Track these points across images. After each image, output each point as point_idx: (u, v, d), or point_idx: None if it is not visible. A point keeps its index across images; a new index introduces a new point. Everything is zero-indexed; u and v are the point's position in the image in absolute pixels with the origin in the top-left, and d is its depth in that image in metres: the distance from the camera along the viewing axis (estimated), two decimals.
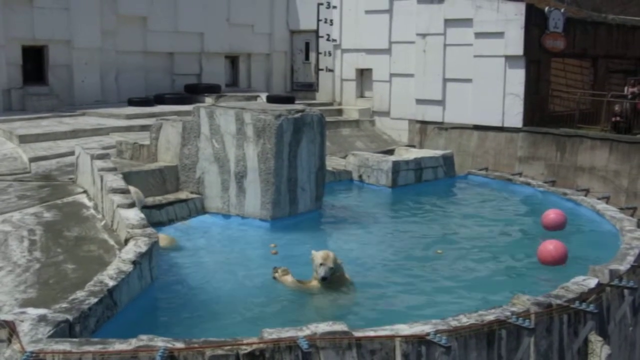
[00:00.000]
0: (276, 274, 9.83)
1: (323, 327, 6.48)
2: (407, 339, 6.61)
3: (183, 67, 23.35)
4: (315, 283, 9.68)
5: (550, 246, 11.11)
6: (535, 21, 20.48)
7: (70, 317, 6.49)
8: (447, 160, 18.11)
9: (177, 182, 13.80)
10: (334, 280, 9.64)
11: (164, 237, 11.00)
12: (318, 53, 25.37)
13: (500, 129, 20.80)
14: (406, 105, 22.79)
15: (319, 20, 25.05)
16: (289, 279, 9.76)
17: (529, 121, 20.50)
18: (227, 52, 24.57)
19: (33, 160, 14.42)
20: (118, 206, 10.01)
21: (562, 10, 21.68)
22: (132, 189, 11.17)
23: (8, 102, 19.28)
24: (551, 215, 13.37)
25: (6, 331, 6.06)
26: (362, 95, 24.60)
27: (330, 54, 24.97)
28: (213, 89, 22.83)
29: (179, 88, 23.00)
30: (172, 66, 23.15)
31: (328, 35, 24.88)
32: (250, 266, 10.76)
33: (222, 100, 20.12)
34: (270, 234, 12.45)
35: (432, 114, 22.22)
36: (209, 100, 21.16)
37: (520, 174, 19.00)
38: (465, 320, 7.13)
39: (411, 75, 22.58)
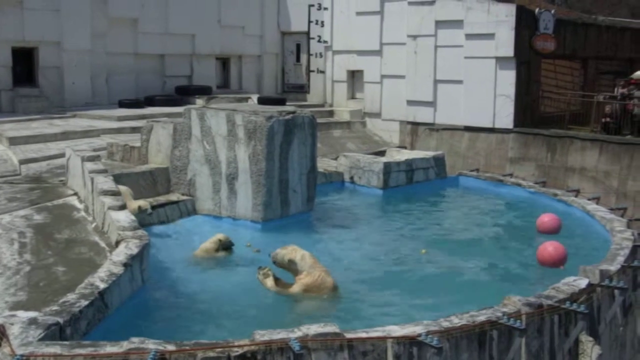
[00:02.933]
0: (258, 276, 9.73)
1: (315, 329, 6.48)
2: (398, 340, 6.62)
3: (174, 68, 23.31)
4: (295, 288, 9.63)
5: (550, 247, 11.15)
6: (525, 23, 20.55)
7: (60, 320, 6.47)
8: (439, 161, 18.14)
9: (168, 184, 13.78)
10: (311, 286, 9.56)
11: None
12: (309, 54, 25.37)
13: (491, 130, 20.86)
14: (397, 107, 22.81)
15: (310, 21, 25.05)
16: (267, 282, 9.67)
17: (520, 122, 20.56)
18: (218, 53, 24.54)
19: (23, 162, 14.35)
20: (109, 208, 9.98)
21: (553, 11, 21.77)
22: (122, 188, 11.22)
23: None
24: (545, 219, 13.41)
25: None
26: (353, 97, 24.61)
27: (321, 56, 24.97)
28: (204, 91, 22.79)
29: (170, 90, 22.96)
30: (162, 68, 23.10)
31: (319, 36, 24.89)
32: (241, 268, 10.75)
33: (213, 102, 20.09)
34: (262, 236, 12.44)
35: (423, 115, 22.26)
36: (200, 102, 21.13)
37: (511, 175, 19.05)
38: (456, 321, 7.15)
39: (402, 77, 22.60)
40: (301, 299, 9.45)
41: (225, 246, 11.33)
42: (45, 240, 9.71)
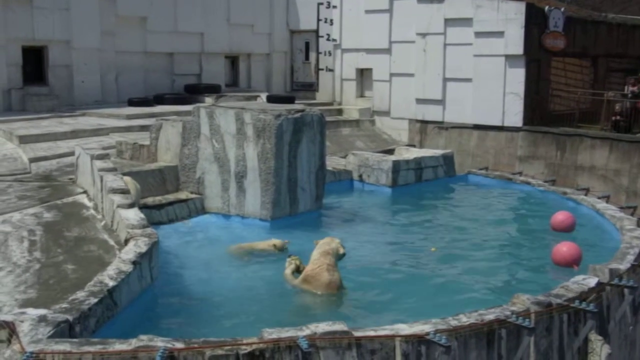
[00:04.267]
0: (286, 263, 10.01)
1: (323, 327, 6.48)
2: (407, 338, 6.61)
3: (183, 67, 23.35)
4: (299, 279, 9.73)
5: (564, 248, 11.13)
6: (535, 20, 20.46)
7: (70, 318, 6.49)
8: (447, 159, 18.10)
9: (177, 182, 13.81)
10: (309, 276, 9.59)
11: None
12: (318, 53, 25.36)
13: (500, 129, 20.79)
14: (406, 105, 22.78)
15: (319, 20, 25.04)
16: (286, 270, 9.89)
17: (529, 120, 20.49)
18: (227, 52, 24.57)
19: (33, 160, 14.42)
20: (118, 206, 10.01)
21: (562, 9, 21.67)
22: (127, 179, 11.34)
23: (8, 102, 19.28)
24: (560, 217, 13.38)
25: (6, 331, 6.07)
26: (362, 95, 24.59)
27: (330, 54, 24.96)
28: (213, 89, 22.83)
29: (179, 88, 23.00)
30: (172, 66, 23.14)
31: (328, 35, 24.87)
32: (250, 266, 10.76)
33: (222, 100, 20.11)
34: (271, 234, 12.44)
35: (432, 113, 22.22)
36: (209, 100, 21.16)
37: (520, 173, 18.99)
38: (465, 319, 7.13)
39: (411, 75, 22.57)
40: (312, 296, 9.45)
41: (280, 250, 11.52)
42: (54, 238, 9.76)
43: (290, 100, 21.46)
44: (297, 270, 9.91)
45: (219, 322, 8.44)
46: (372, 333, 6.64)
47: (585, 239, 12.73)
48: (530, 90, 20.51)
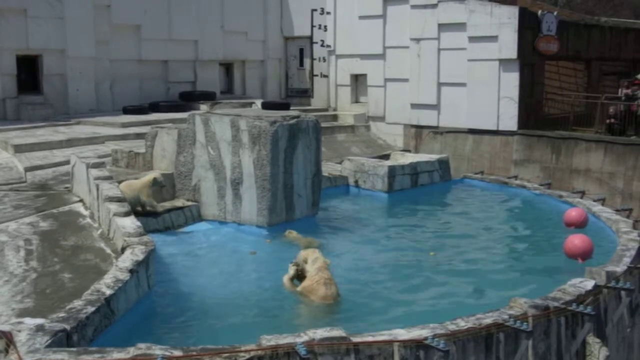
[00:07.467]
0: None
1: (321, 333, 6.48)
2: (405, 343, 6.62)
3: (178, 74, 23.36)
4: (298, 288, 9.74)
5: (575, 240, 11.17)
6: (528, 24, 20.55)
7: (67, 327, 6.48)
8: (443, 164, 18.12)
9: (173, 189, 13.80)
10: (307, 289, 9.58)
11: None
12: (312, 59, 25.41)
13: (495, 133, 20.85)
14: (401, 110, 22.84)
15: (312, 26, 25.10)
16: (285, 277, 9.92)
17: (524, 124, 20.56)
18: (222, 59, 24.59)
19: (28, 169, 14.40)
20: (114, 215, 10.00)
21: (555, 13, 21.77)
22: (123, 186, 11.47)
23: (3, 111, 19.27)
24: (573, 213, 13.44)
25: (3, 341, 6.05)
26: (357, 101, 24.64)
27: (324, 60, 25.01)
28: (208, 97, 22.83)
29: (174, 96, 23.00)
30: (166, 74, 23.15)
31: (322, 41, 24.93)
32: (247, 273, 10.75)
33: (217, 108, 20.12)
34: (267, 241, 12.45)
35: (427, 118, 22.27)
36: (204, 107, 21.16)
37: (515, 177, 19.02)
38: (463, 324, 7.14)
39: (406, 80, 22.62)
40: (309, 303, 9.44)
41: None
42: (51, 247, 9.74)
43: (285, 106, 21.45)
44: (298, 277, 9.90)
45: (216, 329, 8.43)
46: (370, 338, 6.64)
47: None
48: (524, 94, 20.59)
